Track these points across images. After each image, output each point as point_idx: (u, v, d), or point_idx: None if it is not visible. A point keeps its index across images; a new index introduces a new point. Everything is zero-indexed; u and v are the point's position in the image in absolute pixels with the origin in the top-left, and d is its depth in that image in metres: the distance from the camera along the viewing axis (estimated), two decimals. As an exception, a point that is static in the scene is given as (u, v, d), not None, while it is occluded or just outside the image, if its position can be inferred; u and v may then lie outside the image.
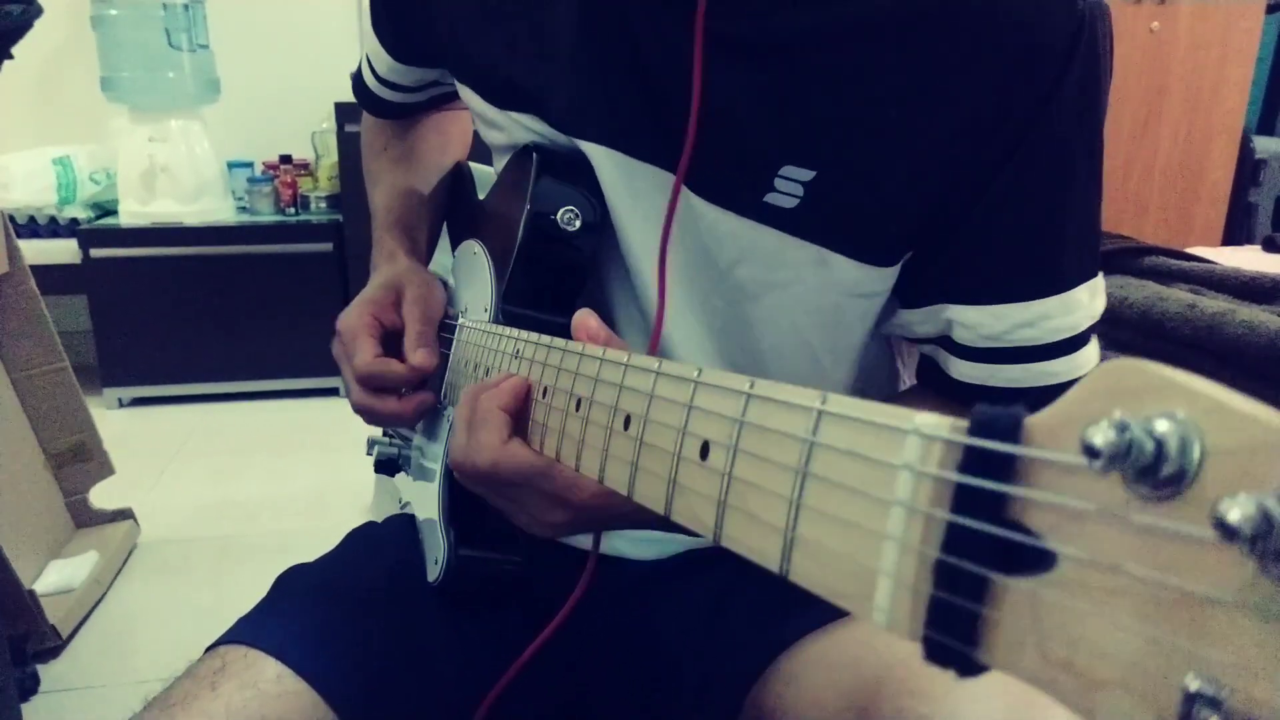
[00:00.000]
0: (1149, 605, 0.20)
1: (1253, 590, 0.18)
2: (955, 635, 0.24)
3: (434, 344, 0.85)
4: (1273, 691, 0.17)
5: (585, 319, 0.60)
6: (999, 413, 0.24)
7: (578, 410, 0.52)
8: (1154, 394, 0.21)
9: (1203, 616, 0.19)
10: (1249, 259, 2.13)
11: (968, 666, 0.24)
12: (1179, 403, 0.20)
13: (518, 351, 0.64)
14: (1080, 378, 0.71)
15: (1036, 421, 0.23)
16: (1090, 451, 0.20)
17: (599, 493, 0.59)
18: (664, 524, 0.47)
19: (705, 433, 0.38)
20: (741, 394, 0.36)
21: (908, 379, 0.88)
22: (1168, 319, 1.86)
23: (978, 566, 0.24)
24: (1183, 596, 0.19)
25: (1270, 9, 2.76)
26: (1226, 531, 0.18)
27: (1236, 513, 0.17)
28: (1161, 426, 0.20)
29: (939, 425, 0.26)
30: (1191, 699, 0.19)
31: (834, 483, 0.29)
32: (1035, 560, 0.23)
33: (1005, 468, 0.24)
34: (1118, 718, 0.20)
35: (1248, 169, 2.87)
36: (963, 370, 0.74)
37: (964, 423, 0.25)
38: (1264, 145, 2.92)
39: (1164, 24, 2.59)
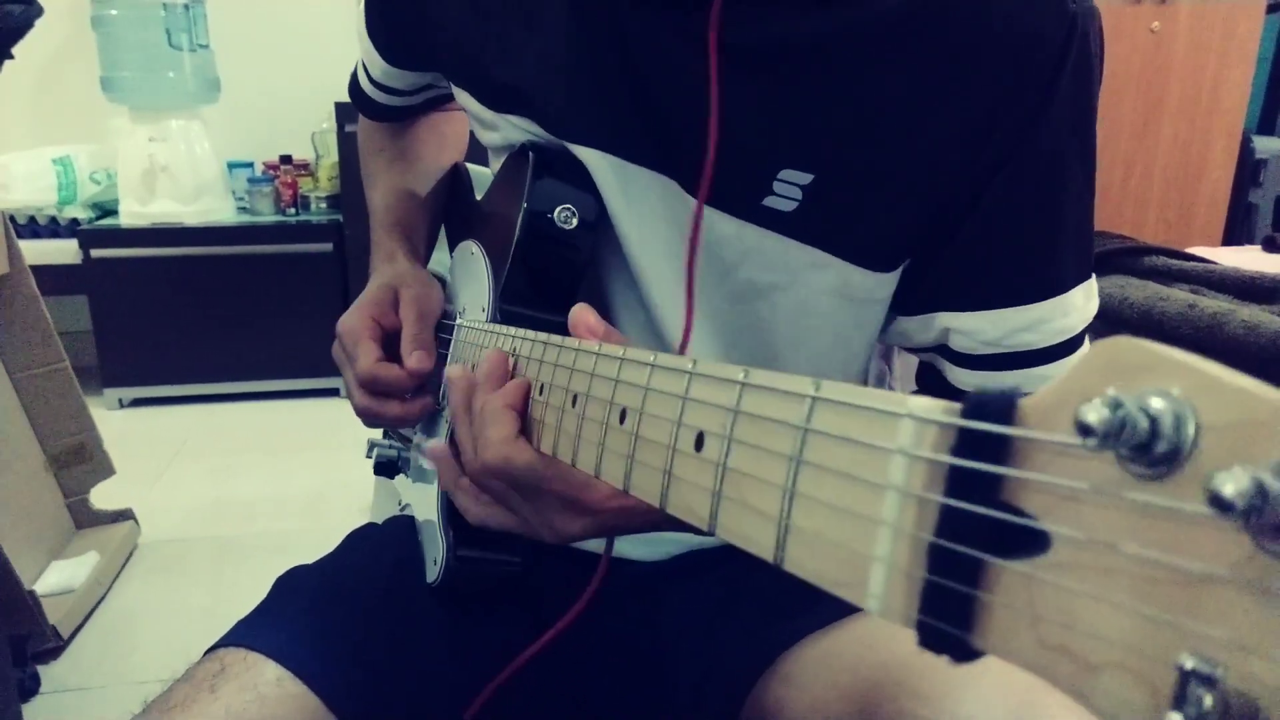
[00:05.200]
0: (1144, 584, 0.20)
1: (1248, 566, 0.18)
2: (949, 620, 0.24)
3: (430, 345, 0.85)
4: (1268, 668, 0.17)
5: (583, 314, 0.59)
6: (993, 394, 0.24)
7: (574, 406, 0.52)
8: (1148, 371, 0.20)
9: (1198, 594, 0.19)
10: (1249, 259, 2.13)
11: (962, 652, 0.24)
12: (1173, 379, 0.20)
13: (515, 350, 0.64)
14: None
15: (1031, 403, 0.23)
16: (1084, 429, 0.20)
17: (615, 493, 0.57)
18: (678, 524, 0.47)
19: (700, 423, 0.38)
20: (736, 383, 0.35)
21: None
22: (1168, 319, 1.86)
23: (972, 549, 0.24)
24: (1178, 574, 0.19)
25: (1270, 9, 2.76)
26: (1221, 506, 0.17)
27: (1231, 487, 0.17)
28: (1156, 403, 0.19)
29: (932, 408, 0.26)
30: (1187, 677, 0.18)
31: (828, 469, 0.29)
32: (1030, 542, 0.22)
33: (999, 449, 0.24)
34: (1114, 700, 0.20)
35: (1248, 169, 2.87)
36: (962, 378, 0.75)
37: (957, 406, 0.25)
38: (1264, 145, 2.92)
39: (1164, 24, 2.59)
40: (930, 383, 0.79)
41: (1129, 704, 0.20)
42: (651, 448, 0.42)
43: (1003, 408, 0.24)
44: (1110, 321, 1.89)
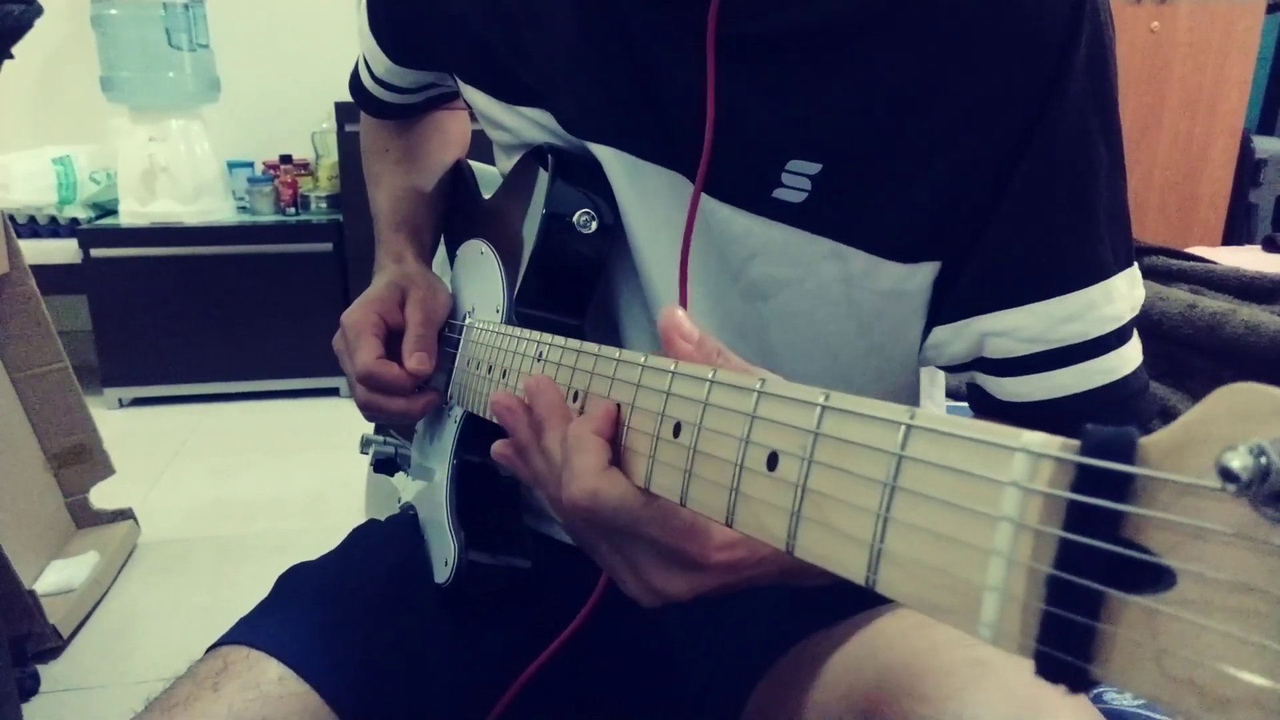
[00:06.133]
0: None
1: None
2: (1069, 650, 0.25)
3: (433, 348, 0.85)
4: None
5: (677, 319, 0.52)
6: (1112, 432, 0.24)
7: (618, 413, 0.52)
8: (1274, 417, 0.21)
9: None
10: (1249, 259, 2.14)
11: (1081, 681, 0.25)
12: (1304, 426, 0.20)
13: (540, 354, 0.63)
14: (1129, 374, 0.68)
15: (1151, 442, 0.24)
16: (1228, 475, 0.20)
17: (724, 545, 0.51)
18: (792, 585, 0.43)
19: (772, 443, 0.38)
20: (815, 405, 0.36)
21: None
22: (1168, 319, 1.86)
23: (1093, 583, 0.24)
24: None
25: (1270, 9, 2.77)
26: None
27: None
28: (1293, 452, 0.20)
29: (1048, 444, 0.26)
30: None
31: (928, 497, 0.29)
32: (1154, 578, 0.23)
33: (1122, 488, 0.24)
34: (1248, 735, 0.20)
35: (1248, 169, 2.88)
36: (1009, 389, 0.72)
37: (1074, 442, 0.26)
38: (1264, 145, 2.93)
39: (1164, 24, 2.60)
40: (975, 402, 0.77)
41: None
42: (713, 463, 0.42)
43: (1124, 445, 0.24)
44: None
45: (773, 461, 0.38)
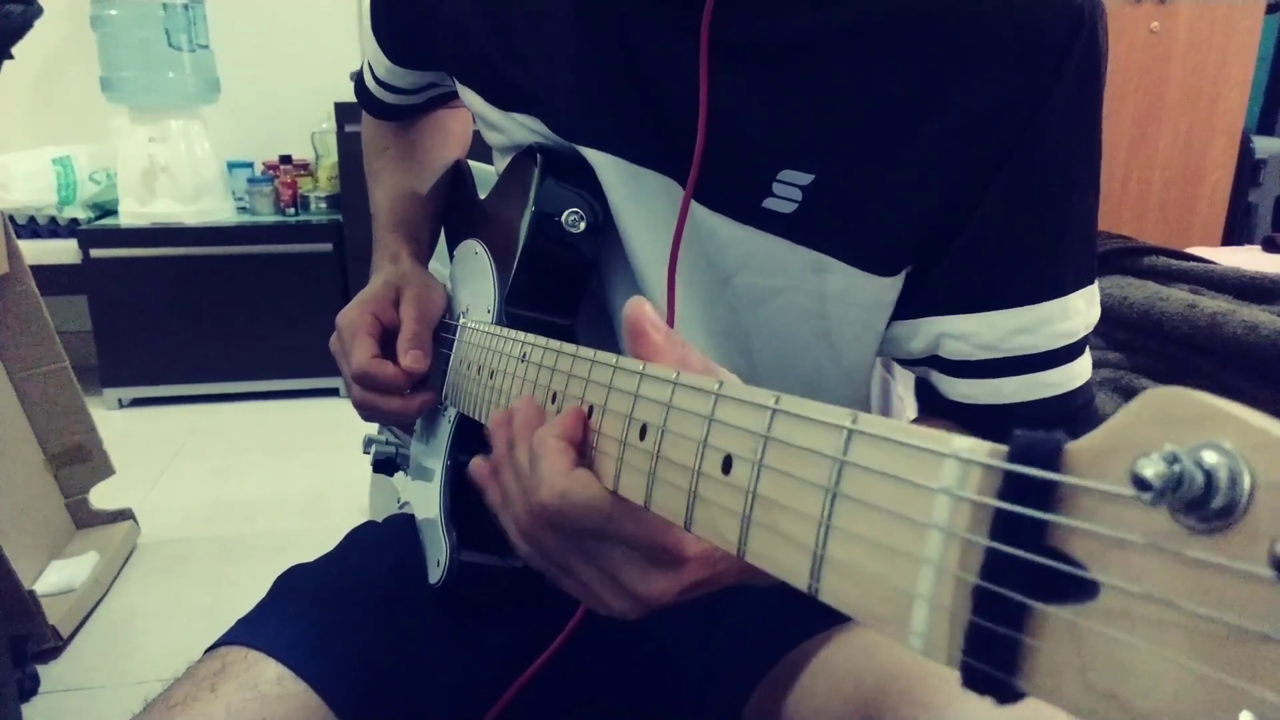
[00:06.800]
0: (1199, 639, 0.20)
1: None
2: (994, 663, 0.24)
3: (427, 347, 0.85)
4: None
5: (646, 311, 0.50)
6: (1039, 438, 0.24)
7: (589, 417, 0.52)
8: (1199, 423, 0.20)
9: (1258, 654, 0.19)
10: (1249, 259, 2.13)
11: (1006, 694, 0.24)
12: (1225, 433, 0.20)
13: (524, 355, 0.63)
14: (1075, 389, 0.69)
15: (1077, 448, 0.23)
16: (1140, 484, 0.20)
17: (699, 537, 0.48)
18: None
19: (727, 446, 0.38)
20: (766, 409, 0.35)
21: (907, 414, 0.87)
22: (1168, 319, 1.86)
23: (1018, 594, 0.24)
24: (1236, 632, 0.19)
25: (1270, 9, 2.76)
26: (1284, 569, 0.17)
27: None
28: (1210, 458, 0.20)
29: (976, 449, 0.26)
30: (1247, 738, 0.18)
31: (866, 503, 0.29)
32: (1077, 589, 0.23)
33: (1046, 495, 0.24)
34: (1167, 750, 0.20)
35: (1248, 169, 2.87)
36: (959, 390, 0.73)
37: (1002, 448, 0.25)
38: (1264, 145, 2.92)
39: (1164, 24, 2.59)
40: (924, 398, 0.78)
41: (1183, 755, 0.20)
42: (674, 468, 0.42)
43: (1049, 452, 0.24)
44: (1110, 321, 1.90)
45: (727, 465, 0.38)
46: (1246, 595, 0.19)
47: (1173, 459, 0.20)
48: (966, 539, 0.25)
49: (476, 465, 0.61)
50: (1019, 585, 0.24)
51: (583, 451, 0.51)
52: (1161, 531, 0.21)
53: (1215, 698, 0.19)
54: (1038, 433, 0.24)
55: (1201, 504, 0.20)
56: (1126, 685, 0.21)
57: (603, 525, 0.48)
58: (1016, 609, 0.24)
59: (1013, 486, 0.25)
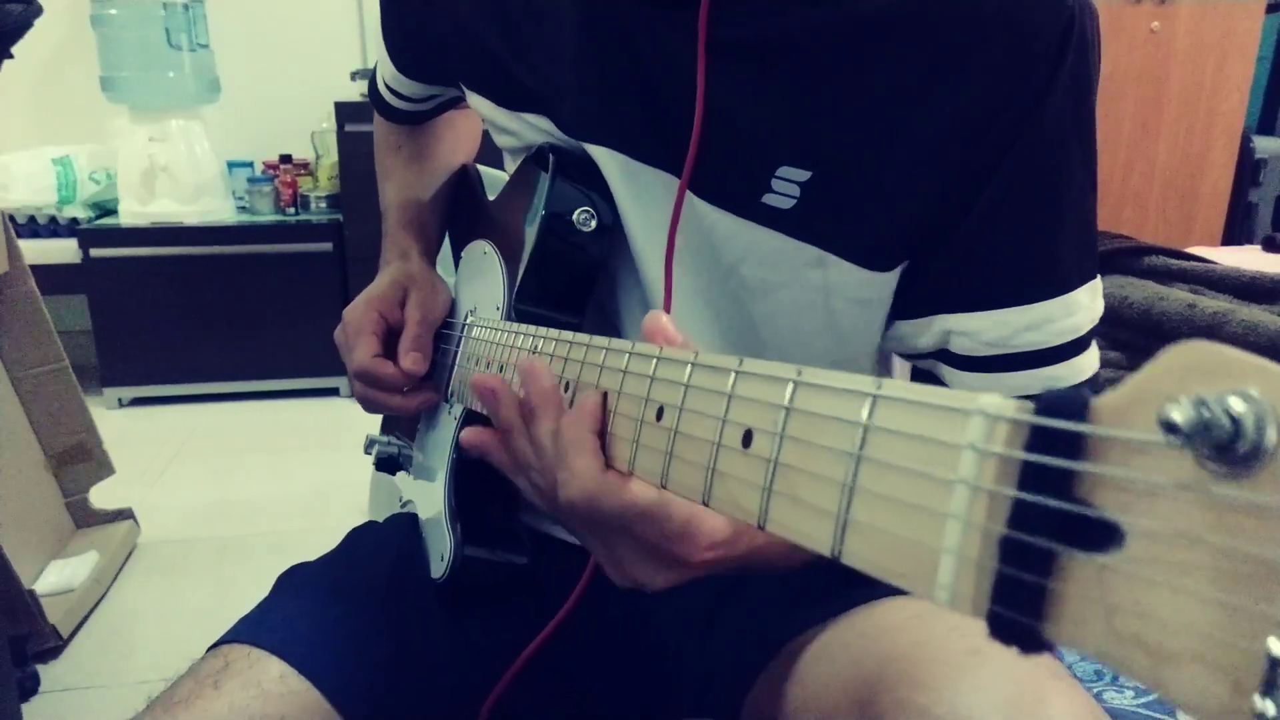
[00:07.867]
0: (1225, 576, 0.20)
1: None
2: (1021, 609, 0.25)
3: (427, 349, 0.88)
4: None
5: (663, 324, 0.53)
6: (1066, 393, 0.24)
7: (605, 403, 0.53)
8: (1225, 373, 0.21)
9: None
10: (1249, 259, 2.14)
11: (1033, 642, 0.25)
12: (1252, 381, 0.20)
13: (535, 347, 0.64)
14: (1081, 383, 0.69)
15: (1103, 402, 0.24)
16: (1169, 427, 0.20)
17: (716, 544, 0.53)
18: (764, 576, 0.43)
19: (748, 421, 0.39)
20: (788, 381, 0.36)
21: None
22: (1168, 319, 1.87)
23: (1045, 541, 0.24)
24: (1261, 565, 0.20)
25: (1270, 9, 2.77)
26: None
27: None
28: (1237, 405, 0.20)
29: (1004, 406, 0.26)
30: (1276, 663, 0.19)
31: (891, 465, 0.30)
32: (1104, 536, 0.23)
33: (1074, 446, 0.24)
34: (1192, 689, 0.21)
35: (1248, 169, 2.88)
36: (965, 382, 0.73)
37: (1029, 404, 0.26)
38: (1264, 145, 2.92)
39: (1164, 24, 2.60)
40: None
41: (1208, 692, 0.20)
42: (693, 444, 0.43)
43: (1077, 406, 0.24)
44: (1110, 321, 1.90)
45: (748, 439, 0.38)
46: (1273, 530, 0.19)
47: (1200, 403, 0.20)
48: (993, 491, 0.26)
49: (475, 432, 0.63)
50: (1046, 533, 0.24)
51: (601, 438, 0.54)
52: (1188, 476, 0.21)
53: (1242, 630, 0.20)
54: (1064, 388, 0.24)
55: (1229, 448, 0.20)
56: (1151, 628, 0.22)
57: (625, 527, 0.53)
58: (1044, 556, 0.24)
59: (1040, 439, 0.25)
